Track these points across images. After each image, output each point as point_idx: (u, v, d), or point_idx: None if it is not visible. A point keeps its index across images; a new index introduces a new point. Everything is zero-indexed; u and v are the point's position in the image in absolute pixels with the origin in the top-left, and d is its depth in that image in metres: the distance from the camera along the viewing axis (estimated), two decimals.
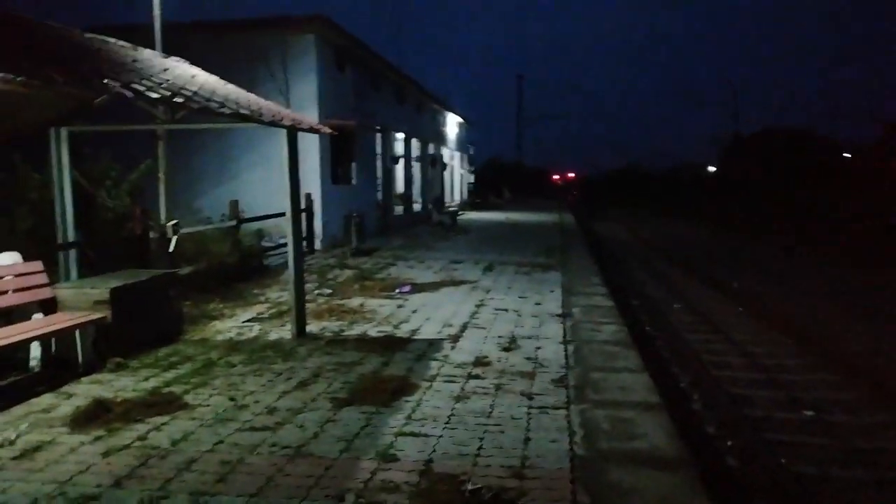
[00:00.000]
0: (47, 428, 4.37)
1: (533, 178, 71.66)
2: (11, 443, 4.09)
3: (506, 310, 8.47)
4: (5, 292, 5.65)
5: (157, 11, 7.80)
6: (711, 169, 68.75)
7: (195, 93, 5.25)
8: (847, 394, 6.88)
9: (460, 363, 6.00)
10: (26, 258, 6.29)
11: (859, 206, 23.79)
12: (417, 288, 10.06)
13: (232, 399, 4.99)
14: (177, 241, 7.94)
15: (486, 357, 6.19)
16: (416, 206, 24.94)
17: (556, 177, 78.21)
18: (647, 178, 65.16)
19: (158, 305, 6.84)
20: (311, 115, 13.92)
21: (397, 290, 9.77)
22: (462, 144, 38.67)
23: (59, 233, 7.28)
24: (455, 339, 6.93)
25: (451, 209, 25.79)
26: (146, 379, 5.50)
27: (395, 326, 7.53)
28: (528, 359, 6.14)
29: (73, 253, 7.36)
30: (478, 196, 43.09)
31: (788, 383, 7.31)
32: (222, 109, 4.75)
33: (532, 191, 62.25)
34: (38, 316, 5.84)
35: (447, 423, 4.52)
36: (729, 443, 5.63)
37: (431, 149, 28.33)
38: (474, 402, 4.94)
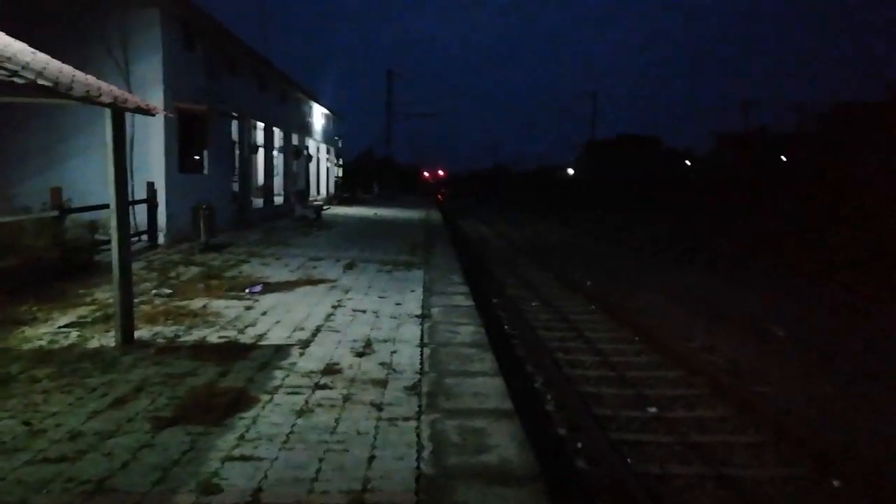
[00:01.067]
0: None
1: (404, 175, 71.73)
2: None
3: (364, 311, 8.10)
4: None
5: None
6: (570, 171, 72.81)
7: None
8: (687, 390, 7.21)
9: (308, 371, 5.55)
10: None
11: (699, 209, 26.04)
12: (270, 288, 9.42)
13: (26, 423, 4.23)
14: None
15: (338, 364, 5.79)
16: (279, 199, 23.84)
17: (426, 174, 78.82)
18: (513, 178, 67.53)
19: None
20: (155, 97, 12.72)
21: (247, 290, 9.08)
22: (330, 137, 37.66)
23: None
24: (305, 344, 6.45)
25: (315, 203, 24.95)
26: None
27: (240, 331, 6.91)
28: (382, 364, 5.82)
29: None
30: (346, 190, 42.24)
31: (635, 380, 7.55)
32: (14, 78, 3.97)
33: (403, 187, 62.25)
34: None
35: (285, 442, 4.08)
36: (579, 444, 5.64)
37: (296, 139, 27.23)
38: (318, 417, 4.53)
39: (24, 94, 5.32)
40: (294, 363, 5.78)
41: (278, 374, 5.47)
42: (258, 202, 21.59)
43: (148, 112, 5.93)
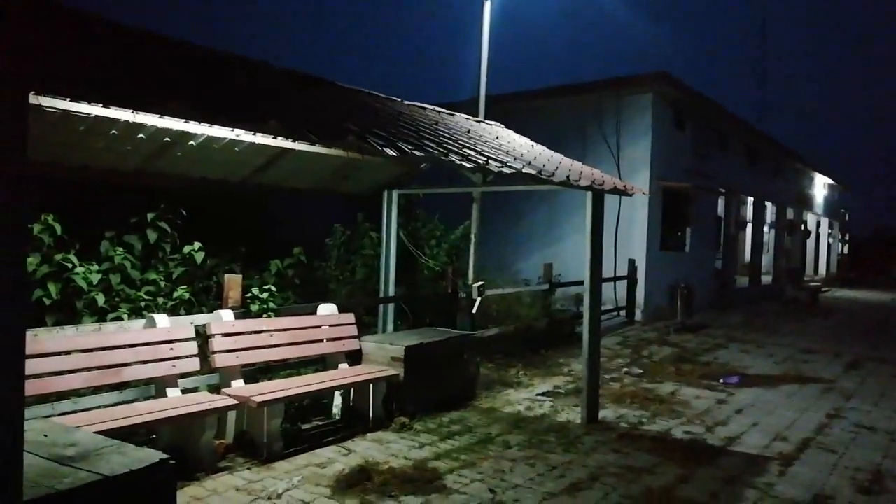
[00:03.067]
0: (314, 486, 4.40)
1: None
2: (278, 496, 4.19)
3: (872, 428, 6.35)
4: (321, 340, 6.13)
5: (483, 81, 8.09)
6: None
7: (502, 159, 5.05)
8: None
9: (790, 499, 4.49)
10: (355, 307, 6.85)
11: None
12: (748, 380, 8.34)
13: (492, 491, 4.45)
14: (481, 302, 7.91)
15: (832, 498, 4.53)
16: (767, 279, 21.77)
17: None
18: None
19: (452, 367, 6.77)
20: (641, 178, 13.14)
21: (721, 380, 8.23)
22: (833, 209, 33.05)
23: (381, 287, 7.86)
24: (788, 461, 5.31)
25: (811, 284, 21.91)
26: (421, 446, 5.33)
27: (709, 428, 6.18)
28: None
29: (391, 307, 7.85)
30: (852, 270, 36.16)
31: None
32: (503, 168, 4.41)
33: None
34: (343, 366, 6.20)
35: None
36: None
37: (791, 213, 24.67)
38: None
39: (518, 182, 5.95)
40: (771, 484, 4.77)
41: (750, 494, 4.57)
42: (743, 281, 20.11)
43: (625, 193, 5.95)
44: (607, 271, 13.15)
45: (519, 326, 9.41)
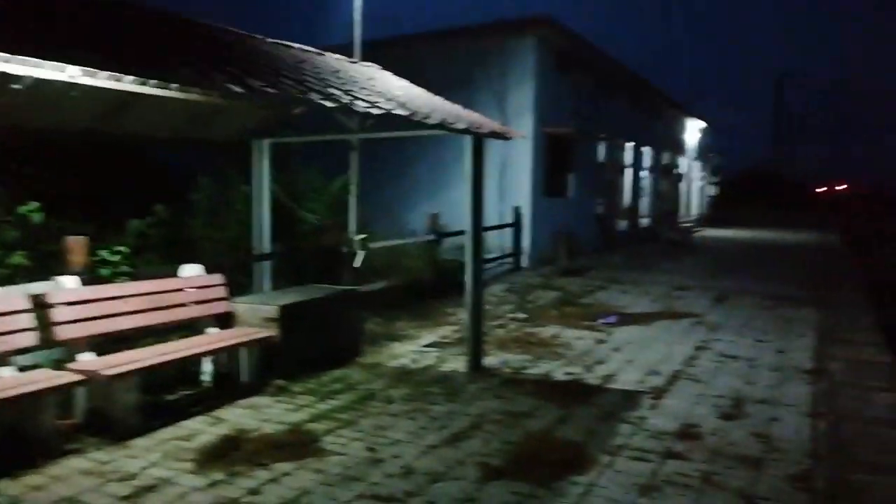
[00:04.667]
0: (175, 462, 4.05)
1: (794, 192, 63.30)
2: (133, 476, 3.82)
3: (735, 357, 6.75)
4: (185, 304, 5.66)
5: (357, 20, 7.59)
6: None
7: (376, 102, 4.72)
8: None
9: (659, 431, 4.64)
10: (228, 267, 6.37)
11: None
12: (626, 319, 8.67)
13: (371, 449, 4.29)
14: (366, 256, 7.64)
15: (697, 426, 4.74)
16: (645, 222, 22.89)
17: (820, 189, 68.27)
18: None
19: (335, 324, 6.50)
20: (525, 123, 13.17)
21: (600, 320, 8.50)
22: (703, 153, 35.13)
23: (254, 244, 7.38)
24: (659, 393, 5.53)
25: (684, 225, 23.26)
26: (298, 409, 5.07)
27: (588, 368, 6.33)
28: (757, 436, 4.56)
29: (267, 265, 7.42)
30: (722, 210, 38.88)
31: None
32: (371, 109, 4.10)
33: (793, 206, 54.88)
34: (213, 330, 5.77)
35: None
36: None
37: (666, 158, 25.94)
38: (666, 500, 3.62)
39: (395, 127, 5.66)
40: (643, 418, 4.92)
41: (623, 429, 4.69)
42: (623, 225, 21.01)
43: (504, 136, 5.81)
44: (494, 219, 13.28)
45: (406, 279, 9.24)
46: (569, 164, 15.45)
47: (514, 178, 13.29)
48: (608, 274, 12.98)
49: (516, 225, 12.91)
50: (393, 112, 4.36)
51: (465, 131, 5.34)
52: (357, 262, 7.40)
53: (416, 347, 7.16)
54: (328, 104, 3.90)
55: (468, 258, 6.12)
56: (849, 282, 12.60)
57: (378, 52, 10.13)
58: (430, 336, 7.70)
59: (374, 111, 4.18)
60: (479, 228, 6.14)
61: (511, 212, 13.02)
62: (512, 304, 9.83)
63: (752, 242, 22.06)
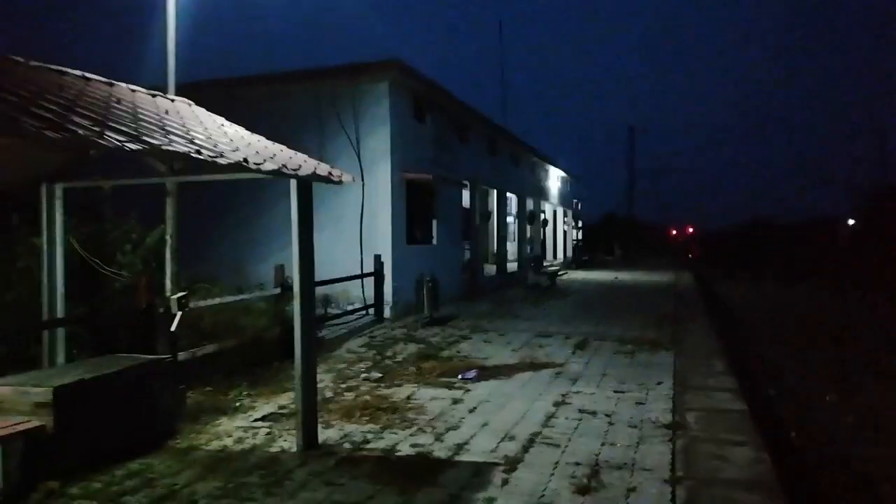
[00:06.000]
0: None
1: (648, 235, 67.80)
2: None
3: (594, 413, 6.36)
4: None
5: (171, 48, 6.71)
6: (850, 222, 61.84)
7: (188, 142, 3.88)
8: None
9: None
10: (9, 335, 5.12)
11: None
12: (486, 373, 8.15)
13: None
14: (188, 316, 6.58)
15: None
16: (513, 266, 23.05)
17: (673, 232, 73.72)
18: (777, 233, 59.19)
19: (139, 402, 5.41)
20: (383, 169, 12.66)
21: (460, 376, 7.91)
22: (567, 200, 36.62)
23: (45, 307, 6.13)
24: (513, 464, 4.94)
25: (550, 269, 23.69)
26: None
27: (439, 437, 5.65)
28: None
29: (60, 332, 6.17)
30: (584, 254, 40.56)
31: None
32: (197, 155, 3.30)
33: (647, 248, 58.56)
34: None
35: None
36: None
37: (531, 204, 26.55)
38: None
39: (213, 171, 4.84)
40: (493, 499, 4.29)
41: None
42: (491, 270, 20.98)
43: (328, 180, 5.12)
44: (354, 268, 12.53)
45: (244, 340, 8.20)
46: (432, 211, 15.09)
47: (374, 226, 12.65)
48: (473, 322, 12.56)
49: (377, 274, 12.22)
50: (217, 162, 3.57)
51: (277, 173, 4.61)
52: (174, 326, 6.33)
53: (245, 423, 6.17)
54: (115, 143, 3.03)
55: (296, 318, 5.32)
56: (699, 320, 12.99)
57: (208, 93, 9.23)
58: (266, 406, 6.73)
59: (198, 157, 3.37)
60: (309, 283, 5.37)
61: (372, 261, 12.33)
62: (369, 361, 9.04)
63: (612, 284, 22.79)
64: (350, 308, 12.18)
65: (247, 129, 5.71)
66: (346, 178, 5.23)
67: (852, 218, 60.59)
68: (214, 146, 4.07)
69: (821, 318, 18.45)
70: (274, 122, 12.66)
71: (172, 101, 5.57)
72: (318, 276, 11.97)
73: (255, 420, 6.26)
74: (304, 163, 5.01)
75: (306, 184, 5.21)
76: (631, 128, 53.80)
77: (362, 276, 12.23)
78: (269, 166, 4.33)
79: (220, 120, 5.39)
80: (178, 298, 6.43)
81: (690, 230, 74.66)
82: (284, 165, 4.43)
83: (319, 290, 12.18)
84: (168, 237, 6.60)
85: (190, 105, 5.66)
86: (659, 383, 7.58)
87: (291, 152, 5.24)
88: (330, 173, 5.05)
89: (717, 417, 6.12)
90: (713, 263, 47.32)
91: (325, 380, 7.88)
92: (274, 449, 5.40)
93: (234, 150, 4.20)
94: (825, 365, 11.54)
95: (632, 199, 59.23)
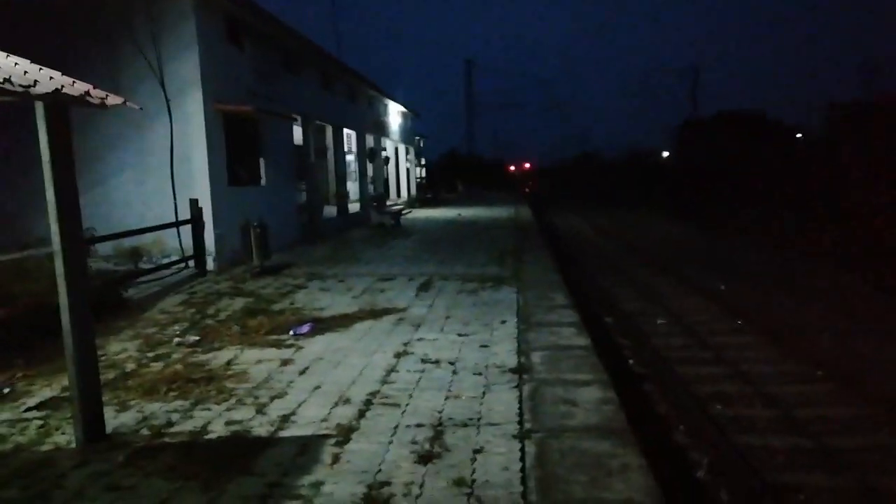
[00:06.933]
0: None
1: (489, 171, 69.42)
2: None
3: (437, 362, 5.87)
4: None
5: None
6: (665, 154, 67.63)
7: None
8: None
9: (340, 503, 3.38)
10: None
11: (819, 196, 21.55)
12: (322, 325, 7.39)
13: None
14: None
15: (388, 483, 3.58)
16: (355, 207, 22.12)
17: (511, 168, 76.14)
18: (605, 166, 63.29)
19: None
20: (194, 100, 11.07)
21: (291, 332, 7.08)
22: (409, 137, 35.91)
23: None
24: (346, 435, 4.28)
25: (393, 208, 23.10)
26: None
27: (261, 409, 4.85)
28: (459, 484, 3.55)
29: None
30: (428, 191, 40.44)
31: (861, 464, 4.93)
32: None
33: (488, 184, 59.94)
34: None
35: None
36: None
37: (371, 141, 25.53)
38: None
39: None
40: (319, 483, 3.61)
41: None
42: (331, 211, 19.92)
43: (87, 103, 3.94)
44: (167, 215, 11.00)
45: (18, 307, 6.72)
46: (259, 149, 13.67)
47: (189, 166, 11.11)
48: (310, 269, 11.64)
49: (195, 220, 10.80)
50: None
51: (43, 98, 3.39)
52: None
53: (13, 414, 4.94)
54: None
55: (61, 281, 4.15)
56: (538, 252, 13.09)
57: None
58: (45, 391, 5.49)
59: None
60: (72, 235, 4.19)
61: (187, 205, 10.86)
62: (185, 321, 7.89)
63: (456, 221, 22.72)
64: (166, 261, 10.73)
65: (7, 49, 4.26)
66: (112, 99, 4.06)
67: (666, 151, 66.23)
68: None
69: (645, 242, 19.68)
70: (45, 41, 10.53)
71: None
72: (125, 225, 10.44)
73: (28, 409, 5.04)
74: (50, 80, 3.78)
75: (56, 107, 3.97)
76: (468, 61, 53.70)
77: (177, 223, 10.76)
78: (34, 91, 3.11)
79: None
80: None
81: (528, 165, 77.61)
82: (7, 79, 3.21)
83: (126, 242, 10.68)
84: None
85: None
86: (503, 322, 7.28)
87: (34, 67, 3.95)
88: (87, 93, 3.86)
89: (561, 355, 5.88)
90: (550, 197, 49.55)
91: (129, 349, 6.71)
92: (47, 447, 4.30)
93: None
94: (651, 287, 12.12)
95: (472, 136, 59.96)
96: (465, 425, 4.35)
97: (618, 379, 5.74)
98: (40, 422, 4.76)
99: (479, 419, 4.45)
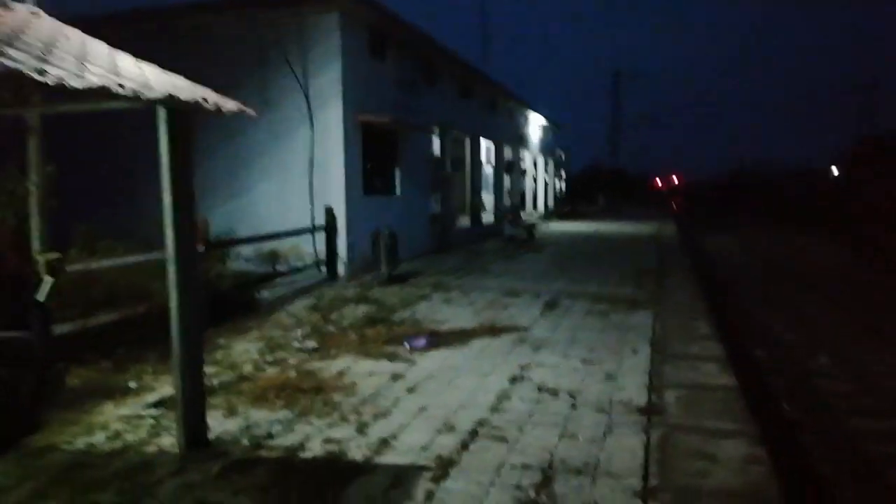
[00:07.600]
0: None
1: (633, 185, 66.82)
2: None
3: (555, 392, 5.34)
4: None
5: None
6: (834, 171, 60.95)
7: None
8: None
9: None
10: None
11: None
12: (439, 339, 7.10)
13: None
14: (55, 283, 5.38)
15: None
16: (489, 218, 21.89)
17: (658, 182, 72.72)
18: (763, 184, 58.36)
19: None
20: (335, 111, 11.32)
21: (406, 344, 6.85)
22: (550, 149, 35.23)
23: None
24: (445, 468, 3.90)
25: (527, 222, 22.59)
26: None
27: (360, 429, 4.59)
28: None
29: None
30: (567, 204, 39.45)
31: None
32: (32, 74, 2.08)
33: (632, 198, 57.61)
34: None
35: None
36: None
37: (509, 153, 25.23)
38: None
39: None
40: None
41: None
42: (465, 222, 19.82)
43: (207, 109, 3.89)
44: (303, 221, 11.33)
45: (152, 307, 7.04)
46: (395, 159, 13.80)
47: (327, 175, 11.39)
48: (436, 279, 11.48)
49: (329, 228, 11.02)
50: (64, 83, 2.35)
51: (162, 102, 3.38)
52: (42, 294, 5.16)
53: (132, 410, 5.08)
54: None
55: (172, 287, 4.16)
56: (682, 274, 12.01)
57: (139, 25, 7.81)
58: (167, 388, 5.62)
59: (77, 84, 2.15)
60: (187, 242, 4.19)
61: (322, 212, 11.12)
62: (309, 325, 7.95)
63: (593, 236, 21.78)
64: (300, 266, 11.04)
65: (168, 68, 4.39)
66: (227, 106, 3.99)
67: (835, 167, 59.64)
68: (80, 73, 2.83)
69: (809, 272, 17.62)
70: (213, 56, 11.27)
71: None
72: (266, 230, 10.83)
73: (148, 406, 5.17)
74: (174, 87, 3.77)
75: (178, 112, 3.98)
76: (617, 73, 51.95)
77: (313, 229, 11.04)
78: (153, 95, 3.10)
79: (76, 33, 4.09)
80: (48, 262, 5.24)
81: (676, 179, 73.71)
82: (121, 84, 3.18)
83: (266, 246, 11.10)
84: (32, 184, 5.35)
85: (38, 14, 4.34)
86: (634, 351, 6.58)
87: (159, 72, 3.98)
88: (204, 99, 3.81)
89: (701, 397, 5.11)
90: (699, 214, 46.46)
91: (250, 351, 6.81)
92: (152, 448, 4.32)
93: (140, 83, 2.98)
94: (812, 321, 10.65)
95: (617, 148, 57.88)
96: (580, 472, 3.80)
97: (768, 425, 4.89)
98: (153, 421, 4.84)
99: (595, 467, 3.88)
